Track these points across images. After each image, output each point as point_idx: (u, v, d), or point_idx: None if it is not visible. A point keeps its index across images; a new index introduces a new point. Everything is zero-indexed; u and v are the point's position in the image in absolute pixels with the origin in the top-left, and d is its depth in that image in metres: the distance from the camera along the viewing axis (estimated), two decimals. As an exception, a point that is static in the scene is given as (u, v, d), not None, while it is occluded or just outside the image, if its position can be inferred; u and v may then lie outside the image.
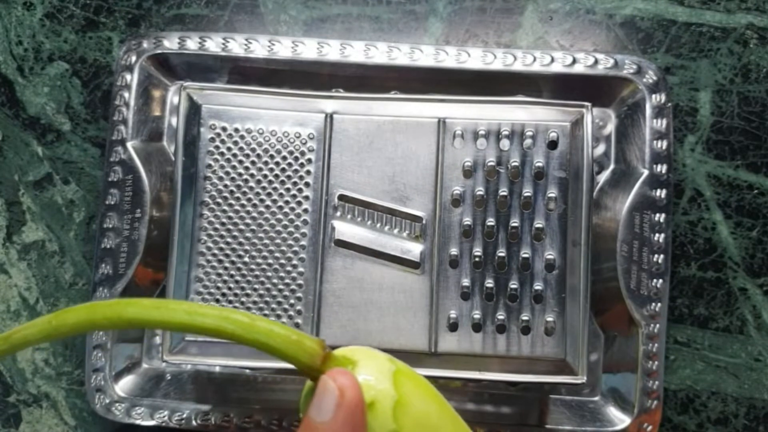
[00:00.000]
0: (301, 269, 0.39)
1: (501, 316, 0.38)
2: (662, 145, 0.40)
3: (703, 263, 0.41)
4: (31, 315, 0.43)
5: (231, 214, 0.39)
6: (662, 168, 0.40)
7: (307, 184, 0.39)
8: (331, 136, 0.39)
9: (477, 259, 0.38)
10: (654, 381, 0.39)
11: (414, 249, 0.39)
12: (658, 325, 0.39)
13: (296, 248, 0.39)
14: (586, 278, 0.37)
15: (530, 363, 0.38)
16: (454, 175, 0.39)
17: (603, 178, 0.41)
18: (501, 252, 0.38)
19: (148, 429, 0.40)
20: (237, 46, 0.41)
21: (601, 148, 0.41)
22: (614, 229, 0.39)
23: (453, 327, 0.38)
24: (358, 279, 0.38)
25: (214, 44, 0.41)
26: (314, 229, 0.39)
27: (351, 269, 0.39)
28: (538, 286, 0.38)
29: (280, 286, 0.39)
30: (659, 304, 0.39)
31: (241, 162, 0.39)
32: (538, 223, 0.38)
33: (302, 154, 0.39)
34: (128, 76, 0.41)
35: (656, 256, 0.39)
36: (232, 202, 0.39)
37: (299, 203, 0.39)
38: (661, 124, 0.40)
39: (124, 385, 0.40)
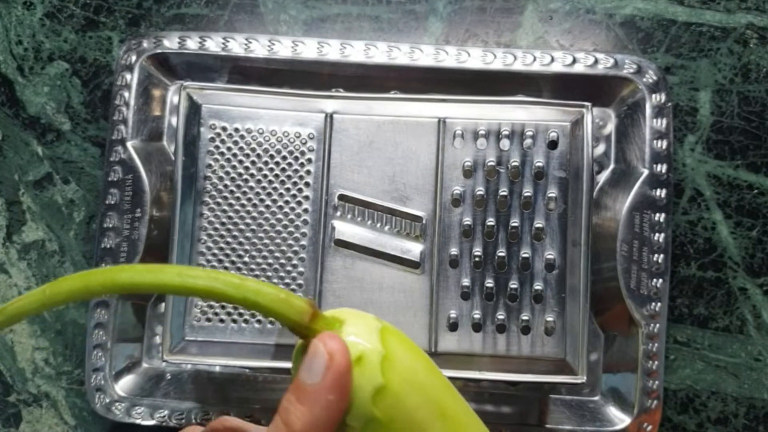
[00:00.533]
0: (301, 269, 0.39)
1: (501, 315, 0.38)
2: (662, 144, 0.40)
3: (703, 263, 0.42)
4: (31, 315, 0.43)
5: (231, 213, 0.39)
6: (662, 168, 0.40)
7: (307, 184, 0.39)
8: (331, 136, 0.39)
9: (477, 259, 0.38)
10: (654, 381, 0.39)
11: (414, 249, 0.39)
12: (658, 325, 0.39)
13: (296, 248, 0.39)
14: (586, 278, 0.37)
15: (530, 363, 0.38)
16: (454, 175, 0.39)
17: (603, 177, 0.41)
18: (501, 252, 0.38)
19: (148, 428, 0.40)
20: (237, 45, 0.41)
21: (601, 148, 0.41)
22: (614, 228, 0.39)
23: (453, 327, 0.38)
24: (358, 279, 0.38)
25: (214, 44, 0.41)
26: (314, 229, 0.39)
27: (351, 269, 0.39)
28: (538, 285, 0.38)
29: (281, 286, 0.39)
30: (659, 304, 0.39)
31: (241, 162, 0.39)
32: (538, 223, 0.38)
33: (302, 154, 0.39)
34: (128, 76, 0.41)
35: (656, 255, 0.39)
36: (232, 201, 0.39)
37: (299, 203, 0.39)
38: (661, 123, 0.40)
39: (124, 385, 0.40)
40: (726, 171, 0.42)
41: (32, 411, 0.42)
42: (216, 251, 0.39)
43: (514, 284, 0.38)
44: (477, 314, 0.38)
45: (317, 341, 0.24)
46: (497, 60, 0.41)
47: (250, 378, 0.41)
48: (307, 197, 0.39)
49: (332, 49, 0.41)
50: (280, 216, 0.39)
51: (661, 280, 0.39)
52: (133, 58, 0.41)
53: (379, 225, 0.39)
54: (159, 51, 0.41)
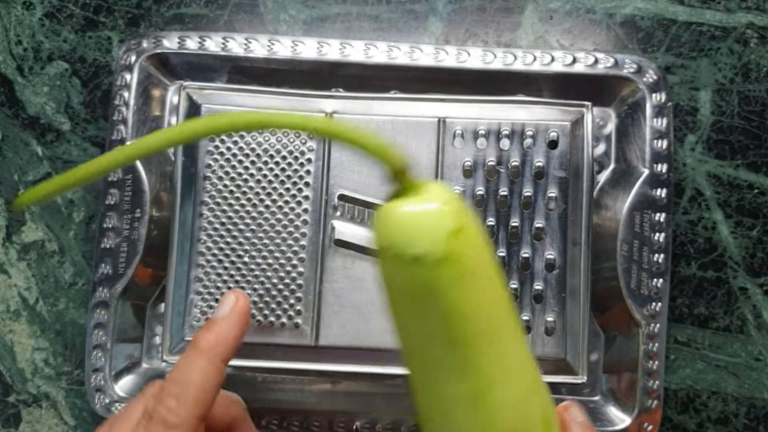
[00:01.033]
0: (301, 269, 0.39)
1: (501, 315, 0.38)
2: (662, 144, 0.40)
3: (703, 263, 0.41)
4: (30, 315, 0.43)
5: (231, 214, 0.39)
6: (662, 167, 0.40)
7: (307, 184, 0.39)
8: (331, 135, 0.39)
9: (477, 258, 0.38)
10: (654, 381, 0.39)
11: (414, 249, 0.38)
12: (658, 325, 0.39)
13: (296, 248, 0.39)
14: (586, 278, 0.37)
15: (530, 363, 0.38)
16: (454, 175, 0.39)
17: (603, 177, 0.41)
18: (501, 252, 0.38)
19: (148, 429, 0.40)
20: (237, 45, 0.41)
21: (601, 148, 0.41)
22: (614, 228, 0.39)
23: (453, 327, 0.38)
24: (358, 279, 0.38)
25: (213, 44, 0.41)
26: (314, 229, 0.39)
27: (351, 269, 0.38)
28: (538, 285, 0.38)
29: (280, 286, 0.38)
30: (659, 304, 0.39)
31: (241, 162, 0.39)
32: (538, 223, 0.38)
33: (302, 154, 0.39)
34: (128, 76, 0.41)
35: (656, 255, 0.39)
36: (232, 202, 0.39)
37: (299, 203, 0.39)
38: (662, 123, 0.40)
39: (124, 385, 0.40)
40: (726, 171, 0.42)
41: (32, 411, 0.42)
42: (216, 251, 0.39)
43: (514, 284, 0.38)
44: (477, 314, 0.38)
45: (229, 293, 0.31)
46: (497, 60, 0.41)
47: (250, 378, 0.41)
48: (306, 197, 0.39)
49: (332, 49, 0.41)
50: (280, 216, 0.39)
51: (661, 280, 0.39)
52: (133, 58, 0.41)
53: (379, 225, 0.39)
54: (159, 51, 0.41)
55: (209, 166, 0.39)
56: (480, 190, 0.39)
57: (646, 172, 0.40)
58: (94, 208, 0.43)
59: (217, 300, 0.38)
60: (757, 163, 0.42)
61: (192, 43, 0.41)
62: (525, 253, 0.38)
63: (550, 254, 0.38)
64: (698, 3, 0.43)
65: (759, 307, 0.41)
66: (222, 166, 0.39)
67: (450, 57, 0.41)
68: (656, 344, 0.39)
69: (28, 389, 0.42)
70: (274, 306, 0.38)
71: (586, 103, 0.38)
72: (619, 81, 0.41)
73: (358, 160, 0.39)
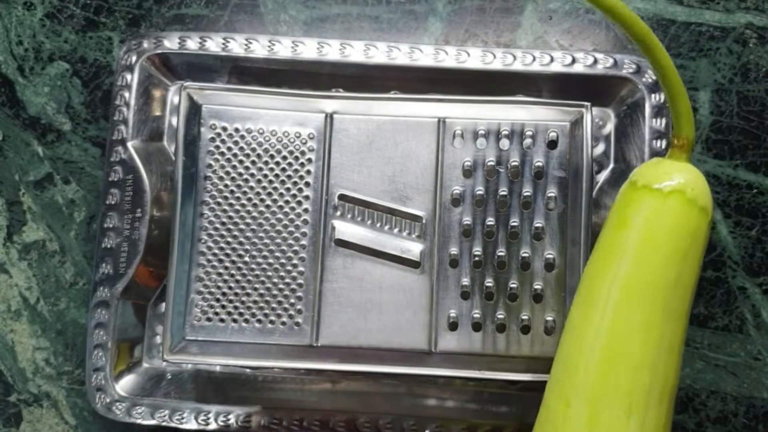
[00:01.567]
0: (301, 269, 0.39)
1: (501, 315, 0.38)
2: (662, 144, 0.40)
3: (702, 262, 0.42)
4: (31, 315, 0.43)
5: (231, 213, 0.39)
6: (662, 167, 0.40)
7: (307, 184, 0.39)
8: (331, 136, 0.39)
9: (477, 258, 0.38)
10: (653, 380, 0.39)
11: (414, 249, 0.39)
12: (657, 325, 0.39)
13: (296, 248, 0.39)
14: (585, 277, 0.37)
15: (530, 362, 0.38)
16: (454, 175, 0.39)
17: (602, 177, 0.41)
18: (501, 251, 0.38)
19: (149, 428, 0.40)
20: (237, 46, 0.41)
21: (600, 148, 0.42)
22: (614, 228, 0.39)
23: (453, 326, 0.38)
24: (358, 279, 0.38)
25: (214, 44, 0.41)
26: (314, 229, 0.39)
27: (351, 269, 0.39)
28: (537, 285, 0.38)
29: (280, 286, 0.39)
30: (659, 304, 0.39)
31: (241, 162, 0.39)
32: (538, 223, 0.38)
33: (302, 153, 0.39)
34: (128, 76, 0.41)
35: (656, 255, 0.39)
36: (233, 201, 0.39)
37: (299, 203, 0.39)
38: (661, 123, 0.40)
39: (124, 385, 0.40)
40: (725, 170, 0.42)
41: (33, 411, 0.42)
42: (216, 251, 0.39)
43: (513, 284, 0.38)
44: (477, 314, 0.38)
45: None
46: (497, 60, 0.41)
47: (251, 378, 0.41)
48: (307, 197, 0.39)
49: (332, 49, 0.41)
50: (280, 216, 0.39)
51: (660, 280, 0.39)
52: (134, 58, 0.41)
53: (379, 225, 0.39)
54: (159, 51, 0.41)
55: (210, 165, 0.39)
56: (480, 190, 0.39)
57: (646, 172, 0.40)
58: (95, 208, 0.43)
59: (218, 299, 0.38)
60: (756, 163, 0.42)
61: (192, 44, 0.41)
62: (525, 252, 0.38)
63: (550, 254, 0.38)
64: (697, 3, 0.43)
65: (758, 307, 0.41)
66: (223, 166, 0.39)
67: (450, 57, 0.41)
68: (655, 344, 0.39)
69: (29, 389, 0.42)
70: (274, 305, 0.38)
71: (585, 103, 0.38)
72: (619, 81, 0.41)
73: (358, 160, 0.39)
